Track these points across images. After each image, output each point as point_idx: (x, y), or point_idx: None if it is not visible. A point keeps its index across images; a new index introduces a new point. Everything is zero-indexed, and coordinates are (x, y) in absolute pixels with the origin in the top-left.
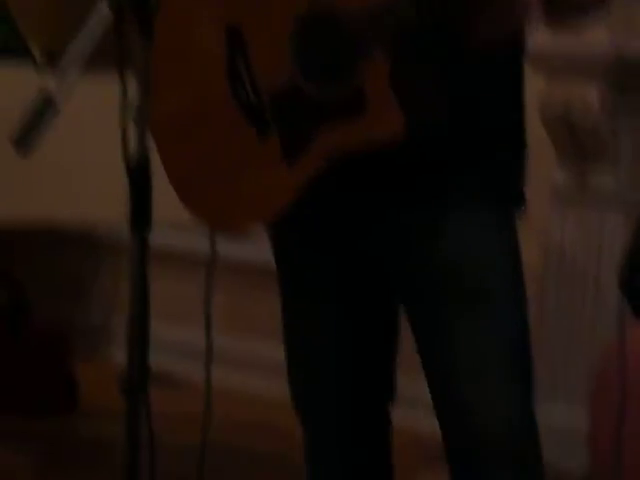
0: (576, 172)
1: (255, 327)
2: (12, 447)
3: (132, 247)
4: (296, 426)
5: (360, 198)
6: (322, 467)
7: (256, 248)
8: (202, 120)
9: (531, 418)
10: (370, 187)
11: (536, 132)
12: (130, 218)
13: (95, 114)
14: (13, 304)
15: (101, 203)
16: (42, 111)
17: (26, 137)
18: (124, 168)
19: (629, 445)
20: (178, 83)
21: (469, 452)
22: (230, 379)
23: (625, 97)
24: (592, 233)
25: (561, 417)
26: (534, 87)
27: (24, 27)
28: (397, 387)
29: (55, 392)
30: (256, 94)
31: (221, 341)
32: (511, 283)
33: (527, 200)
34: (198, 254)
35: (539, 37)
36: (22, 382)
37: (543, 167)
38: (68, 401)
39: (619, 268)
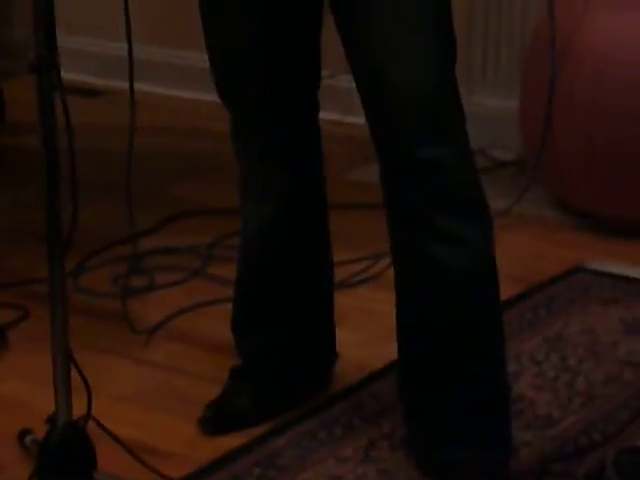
0: None
1: (177, 35)
2: None
3: None
4: (225, 129)
5: None
6: (253, 150)
7: None
8: None
9: (452, 91)
10: None
11: None
12: None
13: None
14: None
15: None
16: None
17: None
18: None
19: (558, 125)
20: None
21: (390, 124)
22: (153, 89)
23: None
24: None
25: (493, 105)
26: None
27: None
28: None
29: None
30: None
31: (143, 51)
32: None
33: None
34: None
35: None
36: None
37: None
38: None
39: None
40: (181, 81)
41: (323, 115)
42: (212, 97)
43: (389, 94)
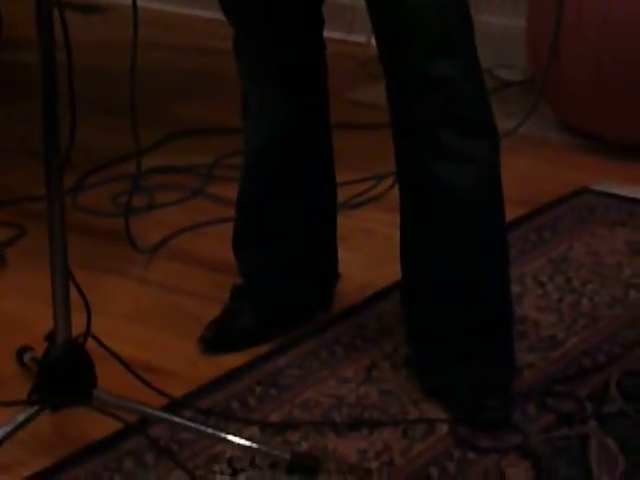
0: None
1: None
2: None
3: None
4: (229, 46)
5: None
6: (255, 67)
7: None
8: None
9: (461, 7)
10: None
11: None
12: None
13: None
14: None
15: None
16: None
17: None
18: None
19: (566, 44)
20: None
21: (399, 39)
22: (154, 5)
23: None
24: None
25: (499, 24)
26: None
27: None
28: None
29: None
30: None
31: None
32: None
33: None
34: None
35: None
36: None
37: None
38: None
39: None
40: None
41: (325, 33)
42: (216, 14)
43: (400, 9)
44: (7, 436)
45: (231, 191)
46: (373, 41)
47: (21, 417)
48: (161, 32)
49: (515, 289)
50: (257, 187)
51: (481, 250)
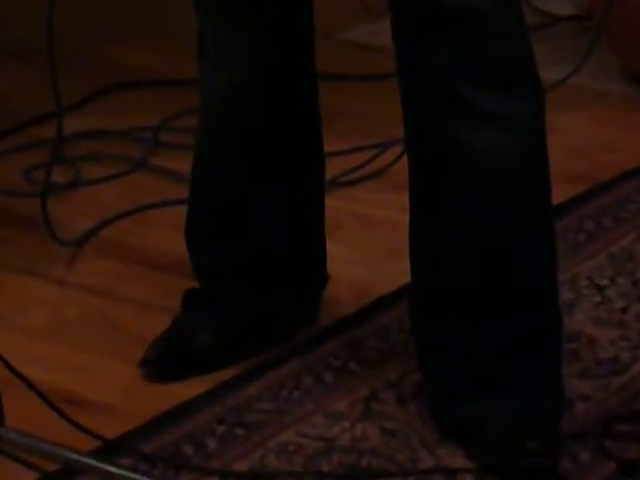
0: None
1: None
2: None
3: None
4: None
5: None
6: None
7: None
8: None
9: None
10: None
11: None
12: None
13: None
14: None
15: None
16: None
17: None
18: None
19: None
20: None
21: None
22: None
23: None
24: None
25: None
26: None
27: None
28: None
29: None
30: None
31: None
32: None
33: None
34: None
35: None
36: None
37: None
38: None
39: None
40: None
41: None
42: None
43: None
44: None
45: (183, 163)
46: None
47: None
48: None
49: (565, 295)
50: (217, 158)
51: (518, 242)
